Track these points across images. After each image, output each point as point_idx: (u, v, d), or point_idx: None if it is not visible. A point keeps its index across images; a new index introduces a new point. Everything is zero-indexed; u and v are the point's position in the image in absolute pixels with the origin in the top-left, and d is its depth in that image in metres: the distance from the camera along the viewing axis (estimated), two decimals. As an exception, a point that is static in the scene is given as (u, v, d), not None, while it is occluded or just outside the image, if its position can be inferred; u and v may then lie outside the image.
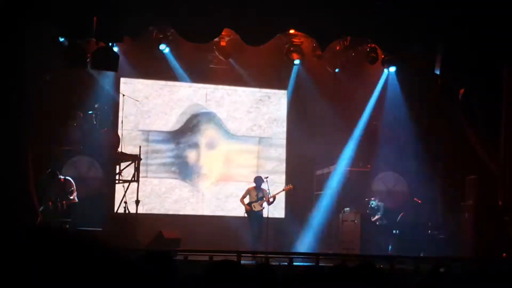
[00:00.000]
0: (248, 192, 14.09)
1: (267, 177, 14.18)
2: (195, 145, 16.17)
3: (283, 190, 14.45)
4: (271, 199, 13.88)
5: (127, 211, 13.48)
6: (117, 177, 14.31)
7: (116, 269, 1.53)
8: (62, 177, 12.73)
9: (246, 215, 14.02)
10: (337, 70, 16.05)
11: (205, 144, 16.22)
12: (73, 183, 12.67)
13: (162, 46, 14.70)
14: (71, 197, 12.52)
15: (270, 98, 16.66)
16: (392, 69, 15.42)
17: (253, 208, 13.88)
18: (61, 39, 12.70)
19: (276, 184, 15.25)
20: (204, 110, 16.16)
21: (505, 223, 12.57)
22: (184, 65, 15.57)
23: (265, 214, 13.93)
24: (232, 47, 15.03)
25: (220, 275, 3.25)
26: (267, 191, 13.93)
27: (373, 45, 14.26)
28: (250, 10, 11.80)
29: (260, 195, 13.91)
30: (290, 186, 14.50)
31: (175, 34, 13.01)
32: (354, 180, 15.30)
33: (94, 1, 11.18)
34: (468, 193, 13.59)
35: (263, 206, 13.90)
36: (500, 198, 12.86)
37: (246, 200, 14.03)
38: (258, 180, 14.06)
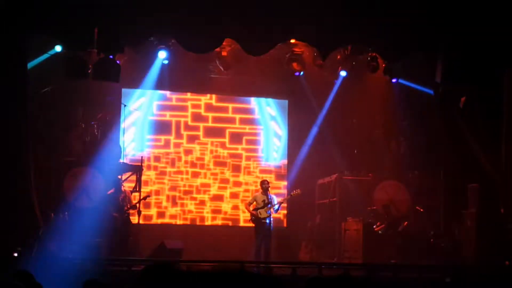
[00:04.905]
0: (254, 198, 13.54)
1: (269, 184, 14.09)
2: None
3: (291, 195, 13.86)
4: (276, 206, 13.23)
5: (129, 221, 13.46)
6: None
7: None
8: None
9: (253, 223, 13.38)
10: (344, 73, 15.57)
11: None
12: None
13: (162, 55, 14.51)
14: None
15: (271, 107, 16.67)
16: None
17: (259, 215, 13.22)
18: (61, 50, 12.69)
19: (278, 192, 15.20)
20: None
21: (507, 230, 12.56)
22: (185, 75, 15.58)
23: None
24: (233, 57, 15.04)
25: (222, 283, 3.26)
26: (274, 197, 13.42)
27: (374, 54, 14.25)
28: (251, 20, 11.83)
29: (267, 201, 13.23)
30: (298, 191, 13.79)
31: (176, 44, 13.02)
32: (356, 189, 15.28)
33: (94, 12, 11.21)
34: (470, 201, 13.55)
35: (269, 212, 13.17)
36: (502, 206, 12.85)
37: (253, 207, 13.42)
38: (264, 184, 13.45)
